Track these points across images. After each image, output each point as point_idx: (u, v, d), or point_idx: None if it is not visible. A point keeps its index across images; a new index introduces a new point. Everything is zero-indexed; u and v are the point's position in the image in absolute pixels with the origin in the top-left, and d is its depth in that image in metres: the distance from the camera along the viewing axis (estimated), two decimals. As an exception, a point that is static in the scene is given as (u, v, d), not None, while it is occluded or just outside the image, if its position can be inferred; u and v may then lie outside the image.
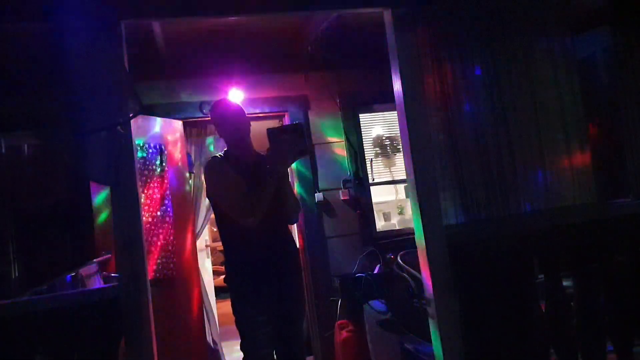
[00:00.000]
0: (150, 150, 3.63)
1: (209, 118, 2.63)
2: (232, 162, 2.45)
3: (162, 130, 3.78)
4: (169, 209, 3.70)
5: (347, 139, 4.34)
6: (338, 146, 4.35)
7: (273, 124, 4.52)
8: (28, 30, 2.73)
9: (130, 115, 1.94)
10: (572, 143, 2.60)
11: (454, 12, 2.49)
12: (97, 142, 1.89)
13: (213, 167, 2.46)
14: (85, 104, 1.85)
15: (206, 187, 2.53)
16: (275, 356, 2.50)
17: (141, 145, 3.55)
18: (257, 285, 2.39)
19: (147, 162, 3.60)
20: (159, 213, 3.64)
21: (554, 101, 2.60)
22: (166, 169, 3.73)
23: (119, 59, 1.99)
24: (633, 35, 2.75)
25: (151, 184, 3.62)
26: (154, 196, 3.63)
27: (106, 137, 1.92)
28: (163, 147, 3.74)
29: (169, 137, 3.84)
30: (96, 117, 1.86)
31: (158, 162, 3.69)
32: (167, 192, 3.71)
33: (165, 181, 3.72)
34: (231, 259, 2.48)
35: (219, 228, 2.56)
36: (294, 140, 2.28)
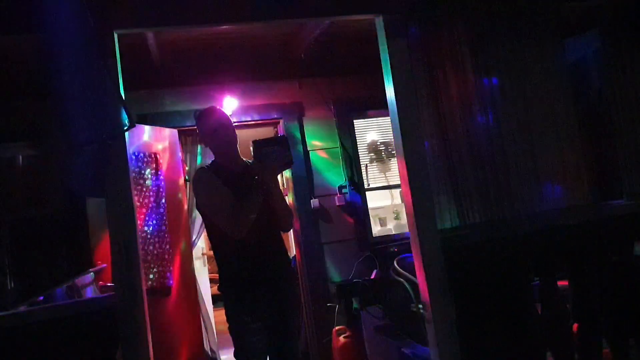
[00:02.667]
0: (145, 160, 3.63)
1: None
2: (219, 172, 2.44)
3: (156, 139, 3.78)
4: (164, 218, 3.70)
5: (342, 145, 4.35)
6: (333, 152, 4.36)
7: (268, 131, 4.53)
8: (19, 41, 2.74)
9: (124, 129, 1.93)
10: (565, 145, 2.62)
11: (445, 18, 2.51)
12: (85, 155, 1.88)
13: (200, 179, 2.46)
14: (75, 116, 1.84)
15: (195, 199, 2.53)
16: None
17: (136, 154, 3.55)
18: (250, 293, 2.39)
19: (142, 171, 3.60)
20: (154, 222, 3.64)
21: (545, 103, 2.62)
22: (161, 177, 3.73)
23: (111, 70, 1.99)
24: (622, 38, 2.78)
25: (146, 193, 3.62)
26: (150, 205, 3.63)
27: (95, 150, 1.91)
28: (158, 156, 3.74)
29: (164, 146, 3.84)
30: (86, 130, 1.85)
31: (153, 171, 3.69)
32: (163, 200, 3.71)
33: (161, 190, 3.71)
34: (224, 268, 2.48)
35: (210, 238, 2.56)
36: (280, 152, 2.30)
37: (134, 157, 3.53)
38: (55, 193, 3.75)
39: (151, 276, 3.54)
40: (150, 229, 3.60)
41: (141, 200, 3.55)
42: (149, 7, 2.23)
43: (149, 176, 3.65)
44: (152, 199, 3.65)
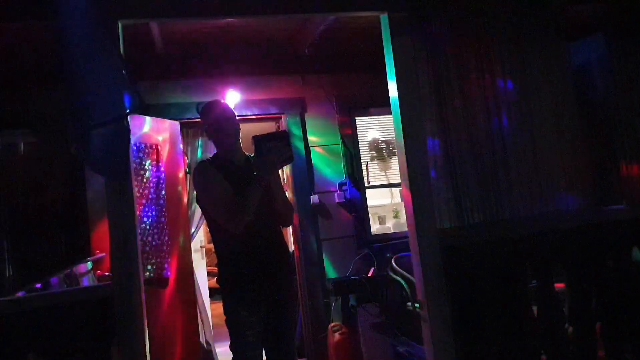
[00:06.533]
0: (146, 151, 3.63)
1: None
2: (221, 166, 2.45)
3: (157, 131, 3.78)
4: (163, 210, 3.70)
5: (343, 142, 4.35)
6: (334, 149, 4.36)
7: (269, 126, 4.52)
8: (34, 28, 2.76)
9: (133, 109, 1.94)
10: (567, 148, 2.62)
11: (449, 19, 2.51)
12: (104, 136, 1.90)
13: (201, 172, 2.47)
14: (92, 99, 1.86)
15: (195, 192, 2.54)
16: (265, 358, 2.50)
17: (136, 145, 3.55)
18: (249, 286, 2.39)
19: (143, 162, 3.60)
20: (153, 213, 3.64)
21: (548, 106, 2.62)
22: (162, 169, 3.73)
23: (119, 56, 2.01)
24: (627, 42, 2.77)
25: (146, 184, 3.61)
26: (149, 196, 3.62)
27: (114, 130, 1.92)
28: (158, 148, 3.73)
29: (165, 138, 3.84)
30: (102, 112, 1.87)
31: (154, 163, 3.69)
32: (162, 192, 3.71)
33: (161, 182, 3.71)
34: (223, 261, 2.49)
35: (210, 231, 2.57)
36: (281, 147, 2.30)
37: (134, 147, 3.52)
38: (55, 181, 3.75)
39: (149, 267, 3.54)
40: (150, 220, 3.60)
41: (141, 191, 3.55)
42: (154, -3, 2.24)
43: (149, 167, 3.65)
44: (151, 190, 3.64)
